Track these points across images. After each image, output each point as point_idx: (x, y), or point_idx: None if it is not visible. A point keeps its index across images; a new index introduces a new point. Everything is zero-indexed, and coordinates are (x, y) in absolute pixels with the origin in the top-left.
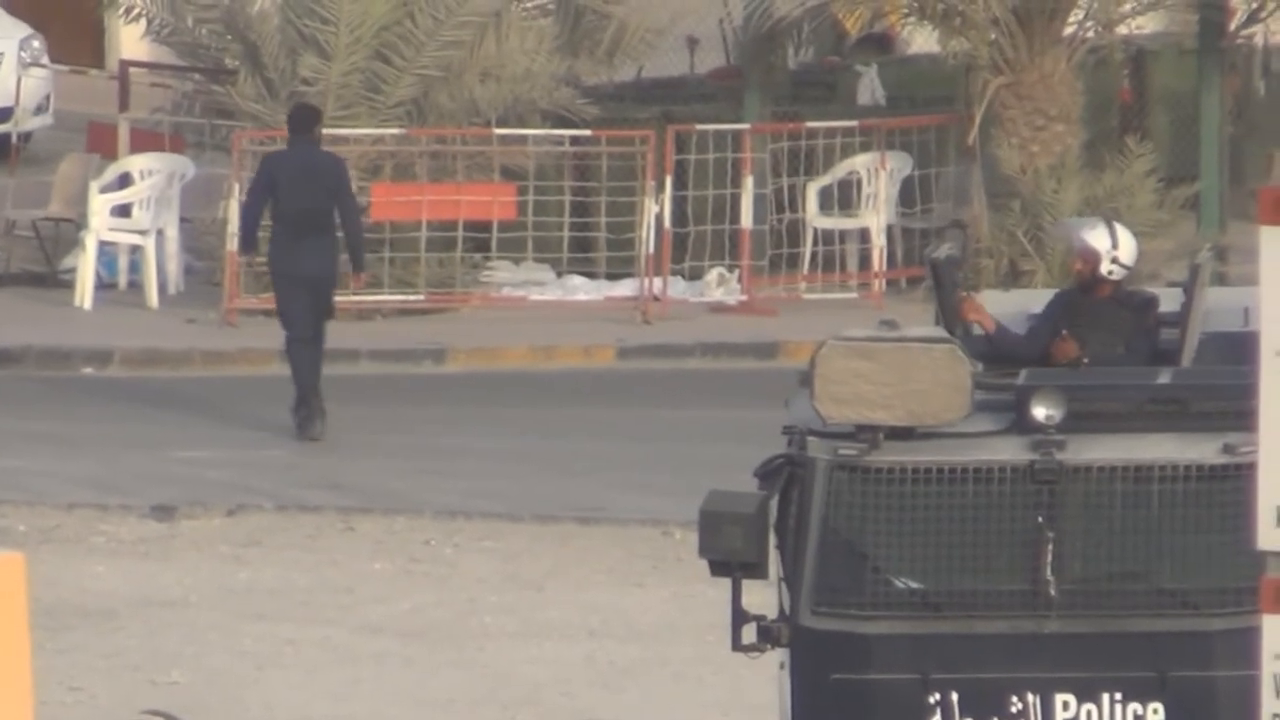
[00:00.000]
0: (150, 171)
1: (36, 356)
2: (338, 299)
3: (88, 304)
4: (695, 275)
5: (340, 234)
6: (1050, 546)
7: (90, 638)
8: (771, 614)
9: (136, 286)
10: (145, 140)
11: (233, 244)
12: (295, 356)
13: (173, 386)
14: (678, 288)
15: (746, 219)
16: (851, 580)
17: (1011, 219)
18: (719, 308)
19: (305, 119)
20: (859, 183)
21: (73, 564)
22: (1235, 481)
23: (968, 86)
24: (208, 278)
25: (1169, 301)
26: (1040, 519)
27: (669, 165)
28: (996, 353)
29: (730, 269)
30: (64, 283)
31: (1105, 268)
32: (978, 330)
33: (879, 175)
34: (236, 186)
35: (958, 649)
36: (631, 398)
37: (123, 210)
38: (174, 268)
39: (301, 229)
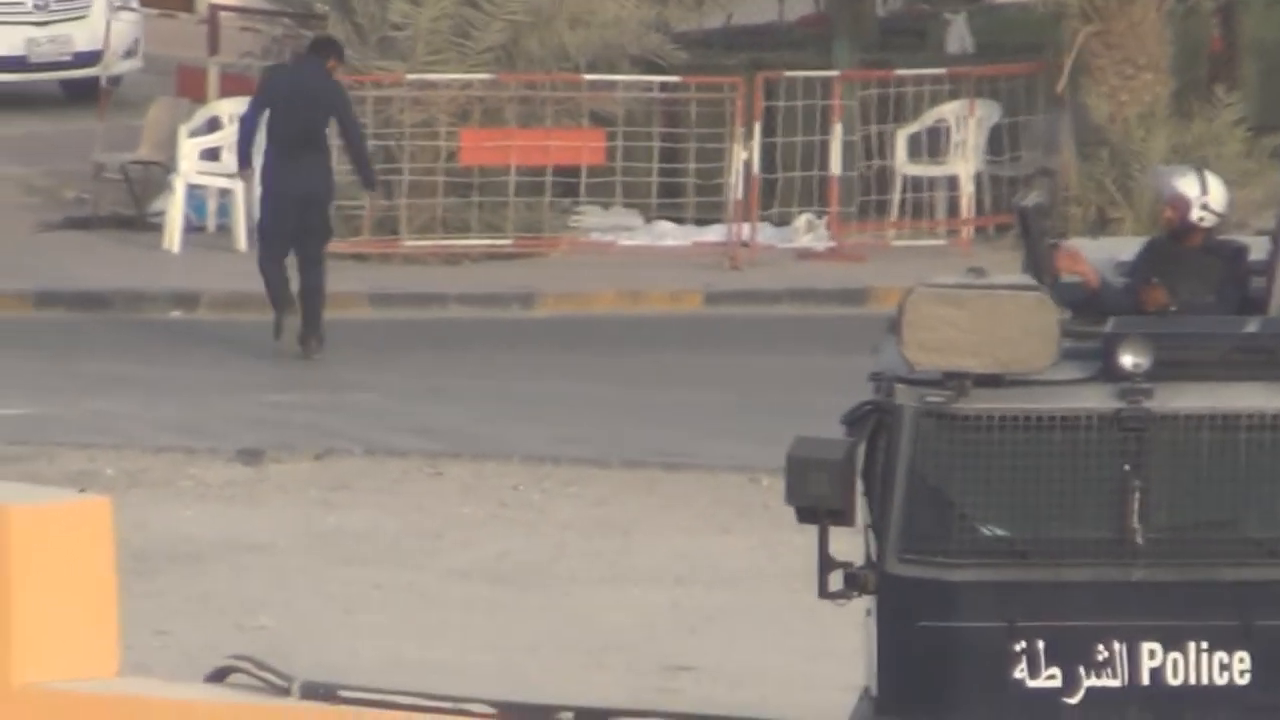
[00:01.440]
0: (239, 116)
1: (125, 299)
2: (428, 243)
3: (176, 247)
4: (784, 221)
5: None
6: (1137, 495)
7: (178, 581)
8: (858, 561)
9: (225, 230)
10: (234, 84)
11: None
12: (267, 273)
13: (260, 330)
14: (766, 234)
15: (835, 166)
16: (938, 527)
17: (1100, 167)
18: (807, 254)
19: (320, 45)
20: (948, 130)
21: (161, 508)
22: None
23: (1057, 35)
24: None
25: (1258, 250)
26: (1127, 467)
27: (758, 112)
28: (1100, 307)
29: (819, 215)
30: (152, 226)
31: (1195, 214)
32: (1074, 279)
33: (968, 123)
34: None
35: (1044, 597)
36: (719, 344)
37: (212, 154)
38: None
39: (293, 147)
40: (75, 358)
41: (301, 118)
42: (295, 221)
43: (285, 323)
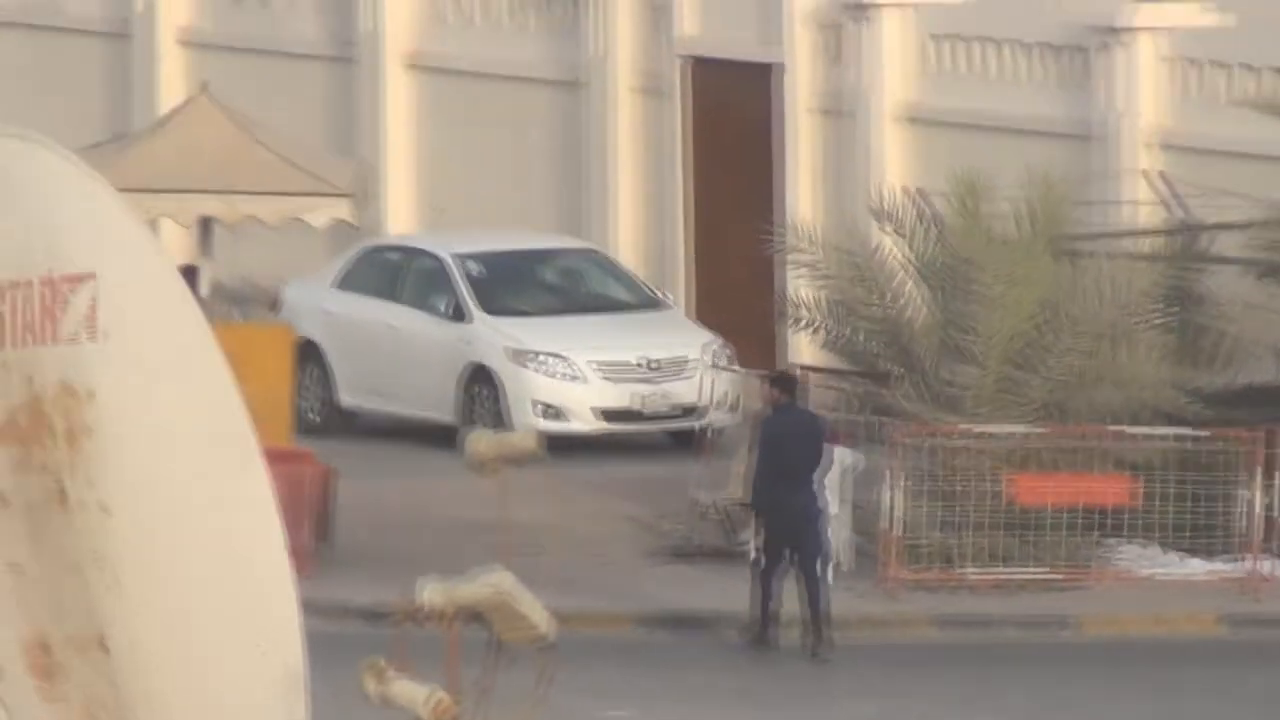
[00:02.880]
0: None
1: (727, 621)
2: (986, 575)
3: None
4: None
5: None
6: None
7: None
8: None
9: None
10: None
11: (891, 524)
12: (765, 585)
13: (841, 647)
14: (1275, 565)
15: None
16: None
17: None
18: None
19: (787, 385)
20: None
21: None
22: None
23: None
24: (872, 554)
25: None
26: None
27: (1265, 460)
28: None
29: None
30: (742, 555)
31: None
32: None
33: None
34: (900, 476)
35: None
36: (1236, 662)
37: None
38: (841, 545)
39: (790, 477)
40: (676, 670)
41: (799, 453)
42: (791, 537)
43: (768, 634)
